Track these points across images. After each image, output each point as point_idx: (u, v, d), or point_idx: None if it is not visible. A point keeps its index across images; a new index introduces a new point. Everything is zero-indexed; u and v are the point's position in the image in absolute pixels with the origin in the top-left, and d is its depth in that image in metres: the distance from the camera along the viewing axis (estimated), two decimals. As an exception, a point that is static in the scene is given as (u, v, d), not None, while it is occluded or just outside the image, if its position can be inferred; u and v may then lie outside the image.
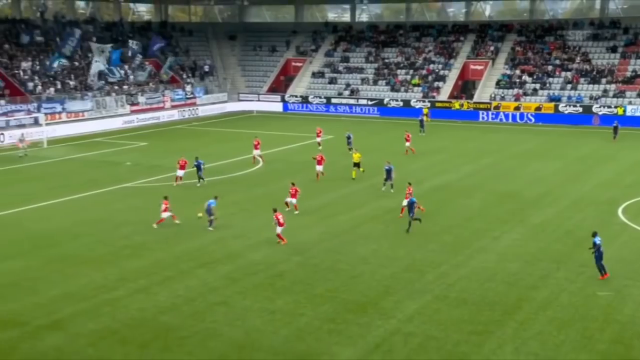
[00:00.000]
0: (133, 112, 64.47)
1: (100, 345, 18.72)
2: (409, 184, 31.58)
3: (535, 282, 23.29)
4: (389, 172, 35.56)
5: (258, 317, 20.42)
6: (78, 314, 20.62)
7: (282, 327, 19.75)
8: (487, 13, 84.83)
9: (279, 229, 27.15)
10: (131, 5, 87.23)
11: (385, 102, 70.04)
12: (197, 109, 70.47)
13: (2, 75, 57.84)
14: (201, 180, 37.27)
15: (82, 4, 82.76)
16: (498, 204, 33.86)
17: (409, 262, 25.33)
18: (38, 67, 61.77)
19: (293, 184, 32.10)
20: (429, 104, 67.70)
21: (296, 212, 31.50)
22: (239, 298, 21.88)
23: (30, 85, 59.13)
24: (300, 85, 76.00)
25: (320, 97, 72.71)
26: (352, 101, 71.48)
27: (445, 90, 69.94)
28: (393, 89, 71.72)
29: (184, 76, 74.03)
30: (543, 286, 22.88)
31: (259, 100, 74.81)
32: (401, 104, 69.15)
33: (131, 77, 68.28)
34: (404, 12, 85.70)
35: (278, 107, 73.69)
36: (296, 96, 73.97)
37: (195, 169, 37.40)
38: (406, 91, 71.05)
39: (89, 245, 27.27)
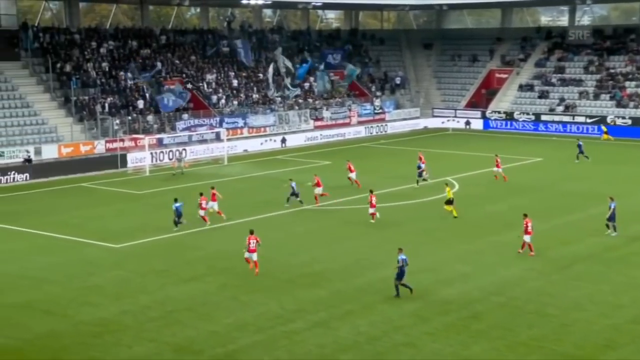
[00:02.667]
0: (317, 127, 66.63)
1: (274, 380, 19.29)
2: (525, 215, 29.86)
3: None
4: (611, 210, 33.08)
5: (449, 363, 20.05)
6: (253, 346, 21.42)
7: (478, 378, 19.20)
8: None
9: (247, 255, 27.76)
10: (319, 12, 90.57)
11: (608, 119, 66.47)
12: (386, 125, 71.33)
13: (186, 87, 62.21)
14: (179, 224, 34.13)
15: (268, 12, 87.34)
16: None
17: (637, 311, 23.71)
18: (222, 80, 65.94)
19: (372, 191, 35.61)
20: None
21: (372, 221, 34.68)
22: (428, 340, 21.61)
23: (214, 98, 63.18)
24: (505, 100, 74.39)
25: (527, 114, 70.67)
26: (566, 118, 68.68)
27: (688, 106, 65.08)
28: (619, 105, 67.97)
29: (373, 89, 75.31)
30: None
31: (455, 117, 74.21)
32: (629, 122, 65.23)
33: (315, 89, 70.69)
34: (637, 12, 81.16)
35: (478, 124, 72.62)
36: (499, 112, 72.45)
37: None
38: (636, 107, 67.03)
39: (265, 270, 28.24)
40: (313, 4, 73.82)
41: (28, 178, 47.44)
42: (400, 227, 34.72)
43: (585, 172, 48.50)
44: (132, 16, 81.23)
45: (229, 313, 23.92)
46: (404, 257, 25.17)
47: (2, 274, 28.37)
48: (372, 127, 70.09)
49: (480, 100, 76.63)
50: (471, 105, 76.08)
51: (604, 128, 63.68)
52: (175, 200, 34.50)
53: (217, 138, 58.31)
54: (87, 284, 27.10)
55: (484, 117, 72.87)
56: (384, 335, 22.01)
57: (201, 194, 35.59)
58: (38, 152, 50.24)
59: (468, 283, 26.49)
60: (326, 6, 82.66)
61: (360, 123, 69.92)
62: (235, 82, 66.43)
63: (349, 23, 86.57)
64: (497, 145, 60.87)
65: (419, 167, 44.66)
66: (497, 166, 45.44)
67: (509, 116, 71.52)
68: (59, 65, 57.75)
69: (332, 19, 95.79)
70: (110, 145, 53.65)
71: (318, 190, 39.12)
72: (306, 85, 70.57)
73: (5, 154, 48.91)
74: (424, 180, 43.97)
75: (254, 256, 27.72)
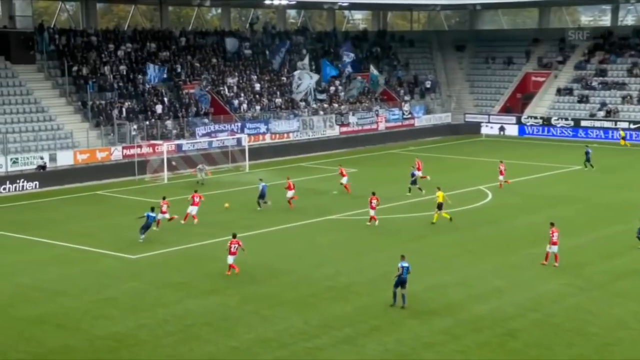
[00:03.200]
0: (343, 133, 66.60)
1: (297, 400, 19.22)
2: (552, 224, 29.79)
3: None
4: None
5: (483, 384, 19.86)
6: (274, 362, 21.38)
7: (513, 400, 18.99)
8: None
9: (230, 259, 28.88)
10: (346, 13, 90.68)
11: (653, 126, 65.87)
12: (415, 131, 71.12)
13: (208, 91, 62.35)
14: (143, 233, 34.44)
15: (292, 12, 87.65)
16: None
17: (683, 330, 23.30)
18: (244, 84, 66.15)
19: (374, 193, 36.50)
20: None
21: (368, 223, 35.99)
22: (460, 359, 21.42)
23: (236, 102, 63.35)
24: (542, 105, 73.93)
25: (566, 119, 70.13)
26: (607, 124, 68.03)
27: None
28: (665, 110, 67.39)
29: (402, 93, 75.17)
30: None
31: (489, 122, 73.84)
32: (675, 128, 64.61)
33: (342, 93, 70.67)
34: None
35: (513, 130, 72.22)
36: (536, 117, 72.01)
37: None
38: (683, 112, 66.48)
39: (288, 284, 28.30)
40: (339, 4, 73.95)
41: (38, 186, 47.73)
42: (429, 239, 34.54)
43: (628, 182, 48.04)
44: (150, 17, 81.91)
45: (250, 328, 23.87)
46: (405, 264, 25.37)
47: (14, 286, 28.56)
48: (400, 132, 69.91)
49: (516, 105, 76.20)
50: (506, 110, 75.66)
51: (622, 133, 62.91)
52: (152, 210, 34.69)
53: (238, 144, 58.41)
54: (102, 296, 27.20)
55: (519, 122, 72.41)
56: (412, 352, 21.85)
57: (164, 198, 37.13)
58: (53, 158, 50.65)
59: (502, 299, 26.24)
60: (353, 6, 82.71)
61: (388, 129, 69.77)
62: (257, 86, 66.61)
63: (376, 24, 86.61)
64: (533, 152, 60.51)
65: (413, 175, 44.45)
66: (501, 173, 45.14)
67: (546, 122, 71.00)
68: (75, 68, 58.24)
69: (359, 19, 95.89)
70: (127, 152, 53.95)
71: (289, 194, 40.60)
72: (332, 89, 70.60)
73: (20, 160, 49.38)
74: (419, 189, 43.54)
75: (230, 259, 28.88)
